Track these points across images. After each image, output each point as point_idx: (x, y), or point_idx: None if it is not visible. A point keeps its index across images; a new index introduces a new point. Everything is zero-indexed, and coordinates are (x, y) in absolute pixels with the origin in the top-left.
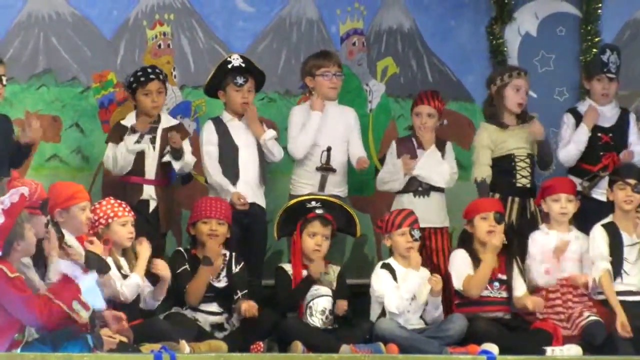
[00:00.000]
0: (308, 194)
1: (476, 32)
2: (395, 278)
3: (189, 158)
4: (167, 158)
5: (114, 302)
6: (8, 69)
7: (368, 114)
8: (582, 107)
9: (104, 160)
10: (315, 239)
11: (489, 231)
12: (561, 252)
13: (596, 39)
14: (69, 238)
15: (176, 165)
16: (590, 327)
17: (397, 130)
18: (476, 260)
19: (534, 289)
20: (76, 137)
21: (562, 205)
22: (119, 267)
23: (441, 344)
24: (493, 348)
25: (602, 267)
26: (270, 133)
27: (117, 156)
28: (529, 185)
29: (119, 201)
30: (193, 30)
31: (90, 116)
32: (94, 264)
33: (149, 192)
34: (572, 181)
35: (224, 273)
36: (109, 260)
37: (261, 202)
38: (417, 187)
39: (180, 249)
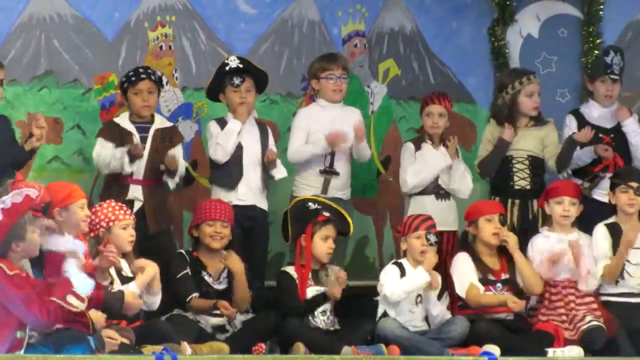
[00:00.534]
0: (311, 196)
1: (478, 34)
2: (404, 276)
3: (181, 166)
4: (165, 177)
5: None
6: (9, 71)
7: (370, 116)
8: (585, 109)
9: (94, 156)
10: (328, 242)
11: (495, 233)
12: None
13: (598, 41)
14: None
15: (171, 184)
16: (591, 333)
17: (399, 132)
18: (478, 264)
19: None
20: (78, 138)
21: (565, 208)
22: (119, 270)
23: (443, 345)
24: (495, 349)
25: (604, 264)
26: (282, 174)
27: (111, 163)
28: (529, 187)
29: (119, 203)
30: (194, 32)
31: (92, 118)
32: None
33: (134, 192)
34: (576, 185)
35: (224, 275)
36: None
37: (263, 205)
38: (440, 189)
39: (182, 251)
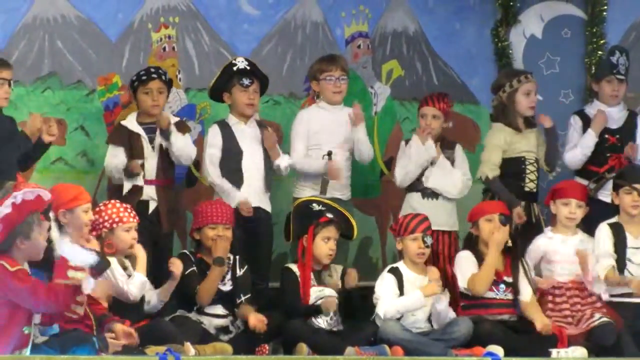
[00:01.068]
0: (311, 197)
1: (481, 35)
2: (401, 283)
3: (189, 148)
4: (159, 140)
5: (119, 302)
6: (13, 72)
7: (373, 116)
8: (590, 110)
9: (105, 165)
10: (329, 243)
11: (494, 233)
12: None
13: (601, 41)
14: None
15: (172, 148)
16: (601, 329)
17: (402, 133)
18: (481, 262)
19: (538, 290)
20: (81, 140)
21: (572, 210)
22: (124, 268)
23: (446, 346)
24: (498, 350)
25: (606, 265)
26: (286, 161)
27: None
28: (535, 190)
29: (124, 205)
30: (198, 33)
31: (96, 119)
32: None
33: (148, 192)
34: (584, 187)
35: (229, 276)
36: (114, 260)
37: (266, 206)
38: (426, 188)
39: (186, 251)
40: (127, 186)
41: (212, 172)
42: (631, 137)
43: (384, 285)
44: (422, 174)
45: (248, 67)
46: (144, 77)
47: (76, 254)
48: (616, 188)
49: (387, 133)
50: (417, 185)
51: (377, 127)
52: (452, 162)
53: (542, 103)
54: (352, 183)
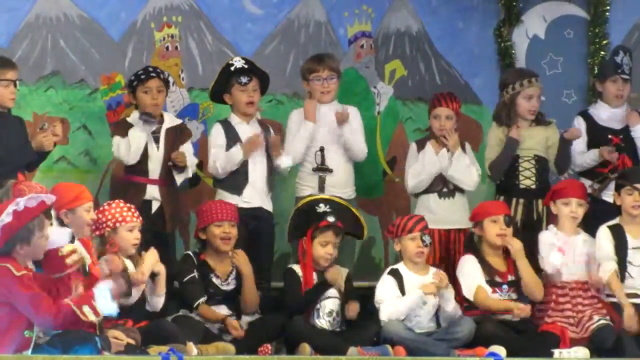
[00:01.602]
0: (308, 196)
1: (484, 35)
2: (402, 284)
3: (191, 161)
4: (174, 173)
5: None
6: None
7: (376, 116)
8: (594, 110)
9: (113, 151)
10: (326, 248)
11: (499, 234)
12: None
13: (604, 42)
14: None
15: (178, 179)
16: (601, 331)
17: (405, 132)
18: (484, 265)
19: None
20: (84, 139)
21: (572, 209)
22: (125, 269)
23: (449, 346)
24: (501, 350)
25: (609, 268)
26: (287, 162)
27: (130, 142)
28: (534, 187)
29: (128, 205)
30: (201, 32)
31: (98, 118)
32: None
33: (152, 192)
34: (583, 186)
35: (232, 276)
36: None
37: (268, 206)
38: (442, 187)
39: (190, 252)
40: (179, 179)
41: (217, 169)
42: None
43: (385, 288)
44: (442, 175)
45: (245, 66)
46: (142, 76)
47: (105, 303)
48: (618, 188)
49: (389, 133)
50: (433, 187)
51: (380, 127)
52: None
53: (545, 103)
54: (354, 183)
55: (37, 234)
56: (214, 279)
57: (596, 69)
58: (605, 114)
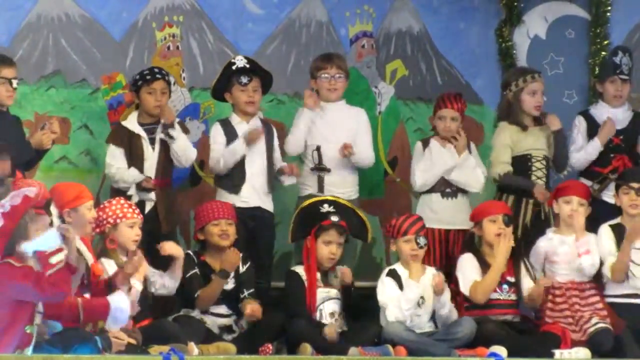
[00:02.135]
0: (308, 195)
1: (485, 35)
2: (400, 284)
3: (189, 150)
4: (161, 136)
5: None
6: (17, 71)
7: (377, 116)
8: (595, 110)
9: (107, 162)
10: (330, 247)
11: (498, 234)
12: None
13: (605, 42)
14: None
15: (174, 146)
16: (598, 335)
17: (406, 132)
18: (484, 264)
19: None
20: (85, 138)
21: (573, 208)
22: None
23: (450, 346)
24: (501, 351)
25: (611, 262)
26: (290, 181)
27: (124, 177)
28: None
29: (128, 202)
30: (202, 32)
31: (99, 118)
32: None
33: (146, 193)
34: (586, 186)
35: (232, 274)
36: (111, 262)
37: (268, 206)
38: (446, 188)
39: (190, 252)
40: (174, 145)
41: (218, 165)
42: (635, 138)
43: (386, 290)
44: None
45: (247, 65)
46: (148, 77)
47: (40, 241)
48: (617, 189)
49: (390, 133)
50: (436, 187)
51: (381, 127)
52: None
53: (546, 103)
54: (357, 183)
55: (32, 228)
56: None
57: (597, 69)
58: (606, 114)
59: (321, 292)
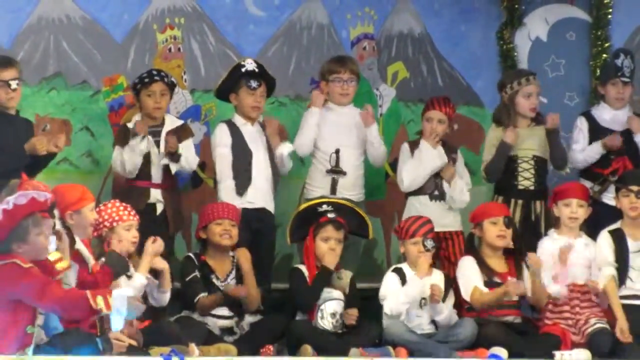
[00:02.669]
0: (319, 197)
1: (486, 37)
2: (404, 281)
3: (191, 158)
4: (164, 161)
5: None
6: (19, 71)
7: (378, 118)
8: (596, 111)
9: (112, 164)
10: (328, 243)
11: (499, 235)
12: (565, 256)
13: (606, 44)
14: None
15: (173, 167)
16: (597, 335)
17: (407, 134)
18: (484, 266)
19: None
20: (86, 140)
21: (573, 210)
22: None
23: (450, 348)
24: (502, 352)
25: (607, 274)
26: (288, 148)
27: (125, 159)
28: (532, 188)
29: (124, 204)
30: (203, 34)
31: (101, 120)
32: (115, 262)
33: (155, 195)
34: (585, 187)
35: (232, 275)
36: None
37: (271, 207)
38: (434, 190)
39: (190, 254)
40: (173, 168)
41: (224, 173)
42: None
43: (389, 283)
44: (433, 177)
45: (256, 70)
46: (146, 80)
47: (120, 300)
48: (617, 191)
49: (392, 135)
50: (424, 189)
51: (382, 129)
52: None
53: (547, 105)
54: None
55: (33, 232)
56: (215, 280)
57: (598, 71)
58: (608, 115)
59: (323, 292)
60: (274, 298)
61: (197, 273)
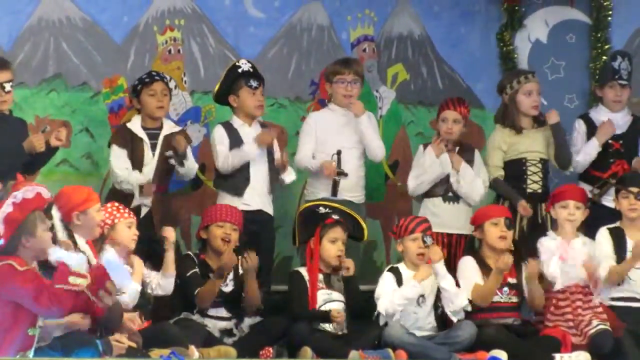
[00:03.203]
0: (321, 199)
1: (486, 39)
2: (400, 282)
3: (192, 164)
4: (172, 161)
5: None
6: (18, 74)
7: (378, 120)
8: (594, 114)
9: (110, 164)
10: (337, 244)
11: (501, 237)
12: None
13: (606, 46)
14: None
15: (181, 170)
16: (599, 337)
17: (407, 136)
18: (484, 267)
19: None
20: (86, 142)
21: (570, 212)
22: None
23: (450, 350)
24: (502, 354)
25: (607, 265)
26: (291, 177)
27: (124, 180)
28: (540, 191)
29: (122, 205)
30: (203, 35)
31: (100, 121)
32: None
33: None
34: (582, 189)
35: (231, 277)
36: None
37: (269, 209)
38: (447, 192)
39: (190, 252)
40: (181, 170)
41: (225, 165)
42: (635, 142)
43: (384, 283)
44: (447, 179)
45: (251, 69)
46: (147, 80)
47: (75, 260)
48: (616, 193)
49: (392, 137)
50: (437, 190)
51: (382, 131)
52: (471, 166)
53: (547, 107)
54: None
55: (40, 227)
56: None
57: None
58: (605, 118)
59: (323, 294)
60: (273, 300)
61: (196, 269)
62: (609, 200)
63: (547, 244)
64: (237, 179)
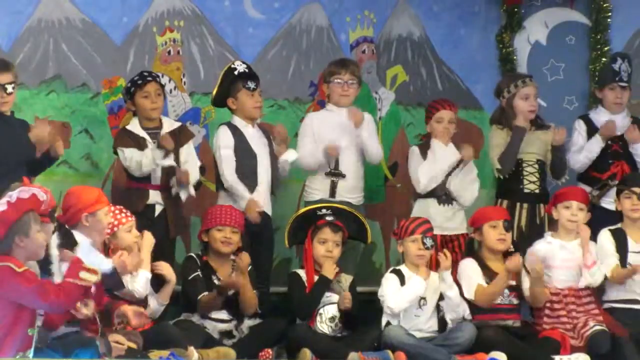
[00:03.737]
0: (319, 200)
1: (486, 41)
2: (403, 283)
3: (193, 170)
4: (175, 189)
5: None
6: (17, 75)
7: (377, 121)
8: (594, 115)
9: (126, 163)
10: (326, 245)
11: (499, 239)
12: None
13: (606, 48)
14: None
15: (183, 195)
16: (596, 337)
17: (406, 138)
18: (485, 269)
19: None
20: (86, 143)
21: (573, 212)
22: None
23: (449, 352)
24: (501, 356)
25: (610, 263)
26: (293, 155)
27: (143, 162)
28: (537, 191)
29: (118, 207)
30: (203, 37)
31: (100, 122)
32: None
33: (154, 197)
34: (585, 191)
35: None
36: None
37: (269, 210)
38: (442, 193)
39: (192, 254)
40: (183, 195)
41: (230, 175)
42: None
43: (388, 283)
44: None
45: (247, 70)
46: (139, 81)
47: (92, 257)
48: (618, 194)
49: (391, 138)
50: (435, 191)
51: (382, 132)
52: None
53: (546, 109)
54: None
55: (33, 227)
56: (216, 281)
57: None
58: (605, 119)
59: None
60: (273, 301)
61: (199, 272)
62: (607, 202)
63: (538, 250)
64: (246, 180)
